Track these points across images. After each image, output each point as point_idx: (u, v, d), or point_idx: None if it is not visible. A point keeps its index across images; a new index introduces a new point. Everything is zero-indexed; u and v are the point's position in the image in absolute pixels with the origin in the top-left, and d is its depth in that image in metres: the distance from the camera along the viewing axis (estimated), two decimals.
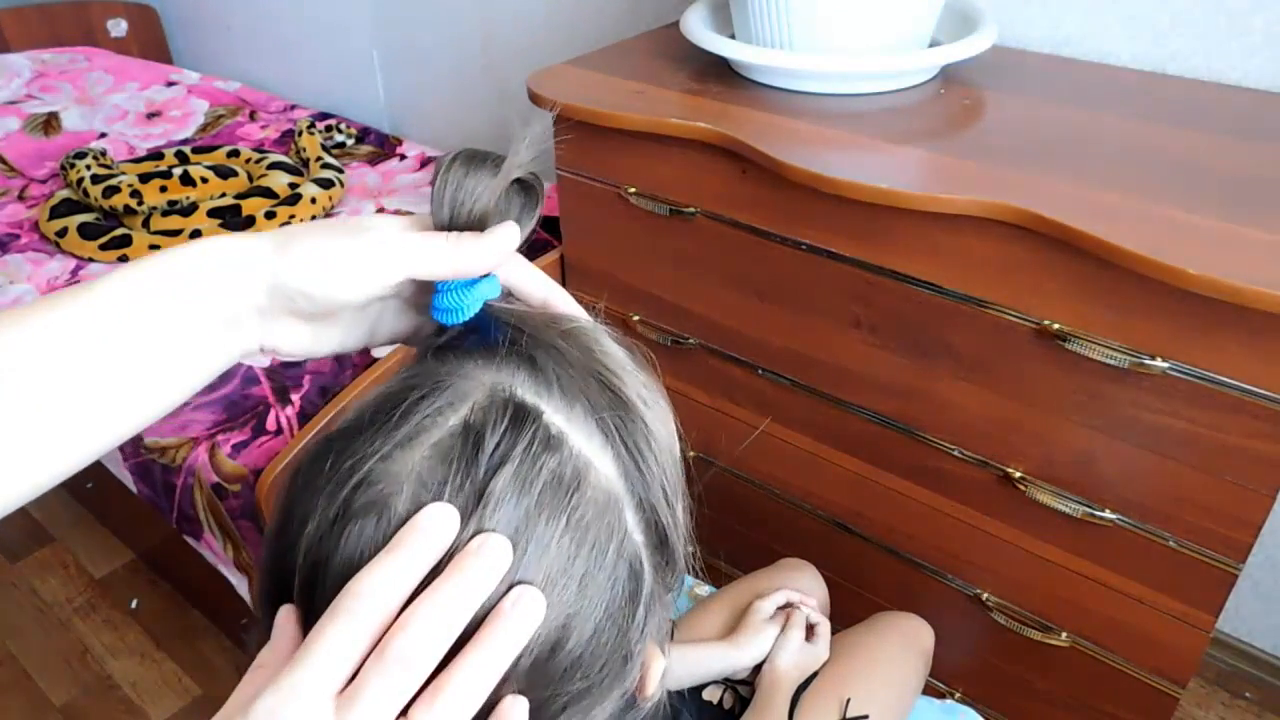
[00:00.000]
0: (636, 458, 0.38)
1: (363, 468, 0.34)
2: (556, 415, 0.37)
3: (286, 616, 0.35)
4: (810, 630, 0.91)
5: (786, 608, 0.94)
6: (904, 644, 0.95)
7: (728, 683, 0.89)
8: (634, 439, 0.39)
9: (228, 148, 2.05)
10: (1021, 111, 1.06)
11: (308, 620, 0.34)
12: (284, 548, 0.36)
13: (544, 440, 0.35)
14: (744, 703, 0.88)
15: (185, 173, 1.82)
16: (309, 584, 0.35)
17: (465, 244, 0.40)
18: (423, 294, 0.45)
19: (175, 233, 1.72)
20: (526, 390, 0.37)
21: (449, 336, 0.41)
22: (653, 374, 0.42)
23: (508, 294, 0.43)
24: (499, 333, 0.40)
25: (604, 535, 0.36)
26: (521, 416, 0.35)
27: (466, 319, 0.40)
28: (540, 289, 0.44)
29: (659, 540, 0.39)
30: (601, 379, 0.39)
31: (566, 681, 0.35)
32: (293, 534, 0.36)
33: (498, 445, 0.34)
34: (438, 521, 0.33)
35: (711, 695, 0.88)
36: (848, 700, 0.85)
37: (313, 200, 1.83)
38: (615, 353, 0.41)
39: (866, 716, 0.85)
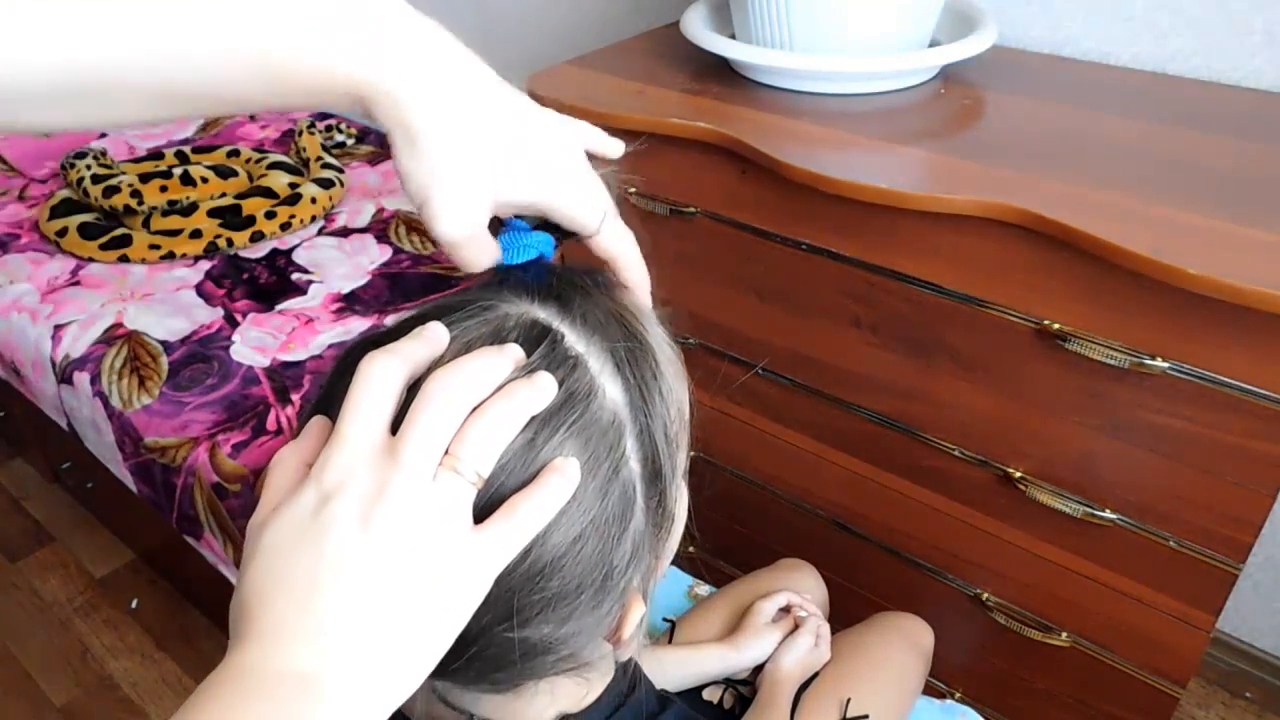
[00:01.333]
0: (644, 391, 0.42)
1: None
2: (577, 341, 0.41)
3: (319, 423, 0.38)
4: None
5: (787, 610, 0.94)
6: (904, 644, 0.95)
7: (728, 683, 0.89)
8: (643, 374, 0.42)
9: (228, 147, 2.05)
10: (1021, 111, 1.06)
11: None
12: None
13: (561, 356, 0.39)
14: (744, 702, 0.88)
15: (185, 173, 1.82)
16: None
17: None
18: None
19: (175, 232, 1.72)
20: (553, 317, 0.41)
21: (498, 276, 0.45)
22: (675, 345, 0.47)
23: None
24: (539, 276, 0.44)
25: (602, 450, 0.39)
26: (543, 335, 0.40)
27: (515, 262, 0.45)
28: (637, 277, 0.49)
29: (653, 474, 0.42)
30: (624, 320, 0.43)
31: (545, 578, 0.38)
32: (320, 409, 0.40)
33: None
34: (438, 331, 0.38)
35: (711, 695, 0.88)
36: (848, 700, 0.85)
37: (313, 200, 1.83)
38: (643, 305, 0.46)
39: (866, 717, 0.85)
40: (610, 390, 0.41)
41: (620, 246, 0.47)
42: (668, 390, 0.43)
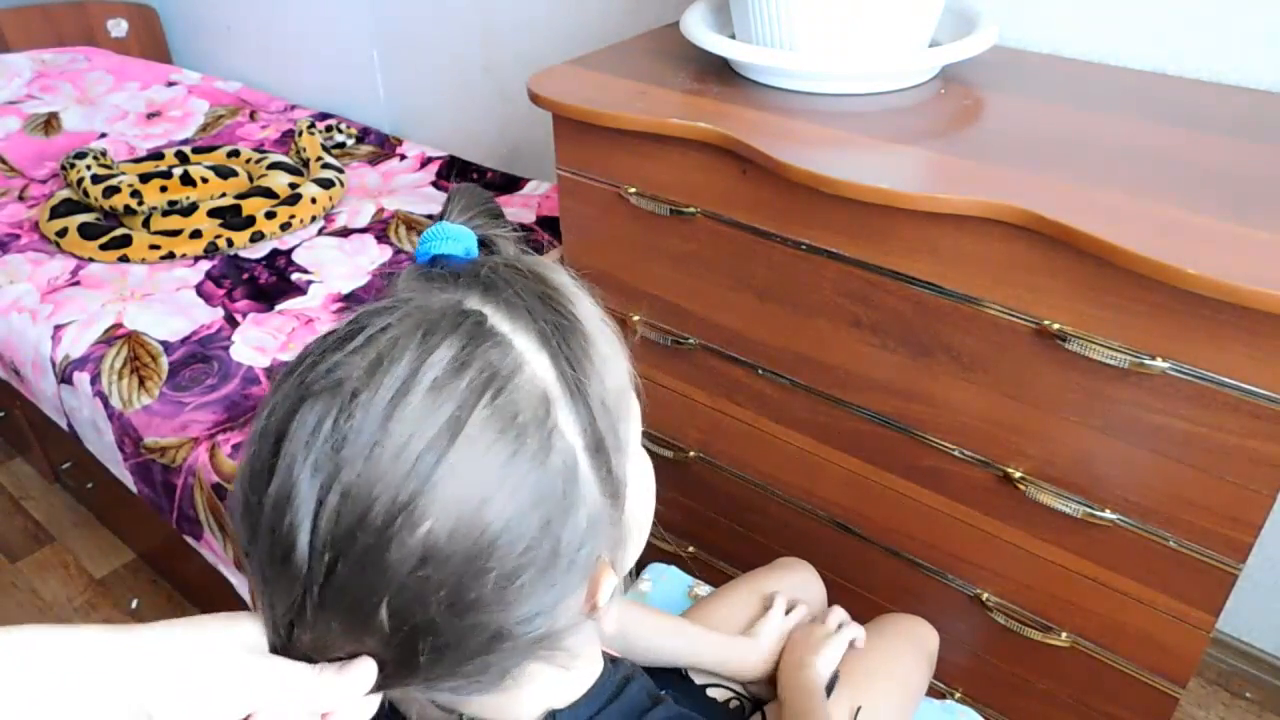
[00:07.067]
0: (574, 363, 0.43)
1: (328, 362, 0.40)
2: (501, 321, 0.42)
3: None
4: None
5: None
6: (911, 649, 0.95)
7: (736, 693, 0.89)
8: (572, 348, 0.43)
9: (228, 148, 2.05)
10: (1021, 111, 1.06)
11: (252, 496, 0.39)
12: (252, 441, 0.41)
13: (485, 335, 0.41)
14: (749, 705, 0.88)
15: (185, 173, 1.82)
16: (270, 456, 0.39)
17: (327, 677, 0.40)
18: None
19: (175, 233, 1.72)
20: (475, 301, 0.43)
21: (424, 270, 0.46)
22: (608, 314, 0.48)
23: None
24: (462, 265, 0.46)
25: (532, 424, 0.40)
26: (466, 317, 0.41)
27: (437, 253, 0.47)
28: None
29: (595, 444, 0.43)
30: (550, 300, 0.44)
31: (484, 558, 0.39)
32: (259, 428, 0.41)
33: (441, 336, 0.40)
34: None
35: (717, 695, 0.88)
36: (858, 709, 0.85)
37: (313, 200, 1.83)
38: (566, 283, 0.47)
39: None
40: (537, 365, 0.42)
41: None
42: (601, 360, 0.45)
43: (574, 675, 0.52)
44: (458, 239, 0.46)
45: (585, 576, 0.44)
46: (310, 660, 0.40)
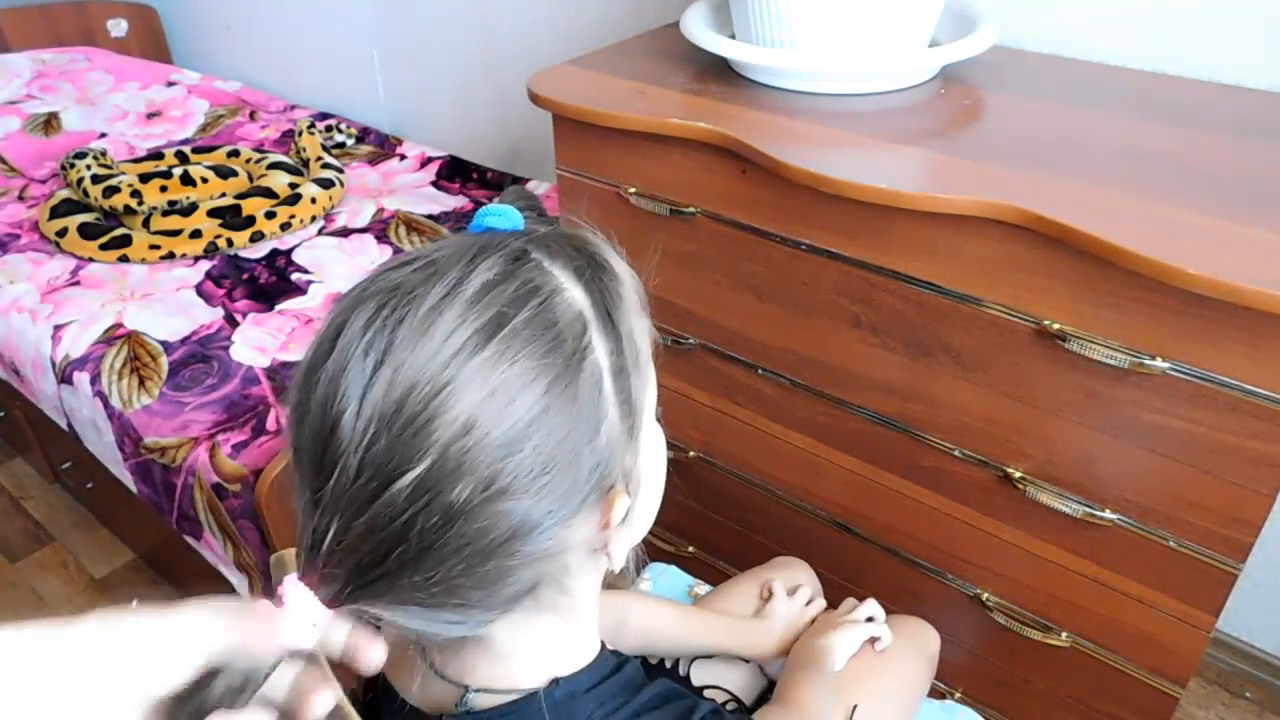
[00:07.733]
0: (605, 296, 0.47)
1: (388, 275, 0.45)
2: (543, 257, 0.46)
3: None
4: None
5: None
6: (912, 651, 0.95)
7: (733, 695, 0.89)
8: (604, 284, 0.48)
9: (228, 148, 2.05)
10: (1021, 111, 1.06)
11: (307, 381, 0.44)
12: (313, 341, 0.45)
13: (529, 262, 0.45)
14: (745, 709, 0.88)
15: (185, 173, 1.82)
16: (329, 344, 0.43)
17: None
18: None
19: (175, 233, 1.72)
20: (520, 244, 0.47)
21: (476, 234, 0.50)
22: (636, 277, 0.53)
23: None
24: (508, 228, 0.50)
25: (569, 334, 0.44)
26: (511, 248, 0.46)
27: (488, 225, 0.50)
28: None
29: (619, 369, 0.47)
30: (584, 249, 0.49)
31: (518, 444, 0.42)
32: (321, 329, 0.45)
33: (491, 254, 0.45)
34: None
35: (716, 696, 0.88)
36: (854, 708, 0.85)
37: (313, 200, 1.83)
38: (602, 243, 0.52)
39: None
40: (574, 292, 0.46)
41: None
42: (630, 300, 0.49)
43: (575, 638, 0.54)
44: (508, 217, 0.50)
45: (600, 499, 0.47)
46: (328, 581, 0.41)
